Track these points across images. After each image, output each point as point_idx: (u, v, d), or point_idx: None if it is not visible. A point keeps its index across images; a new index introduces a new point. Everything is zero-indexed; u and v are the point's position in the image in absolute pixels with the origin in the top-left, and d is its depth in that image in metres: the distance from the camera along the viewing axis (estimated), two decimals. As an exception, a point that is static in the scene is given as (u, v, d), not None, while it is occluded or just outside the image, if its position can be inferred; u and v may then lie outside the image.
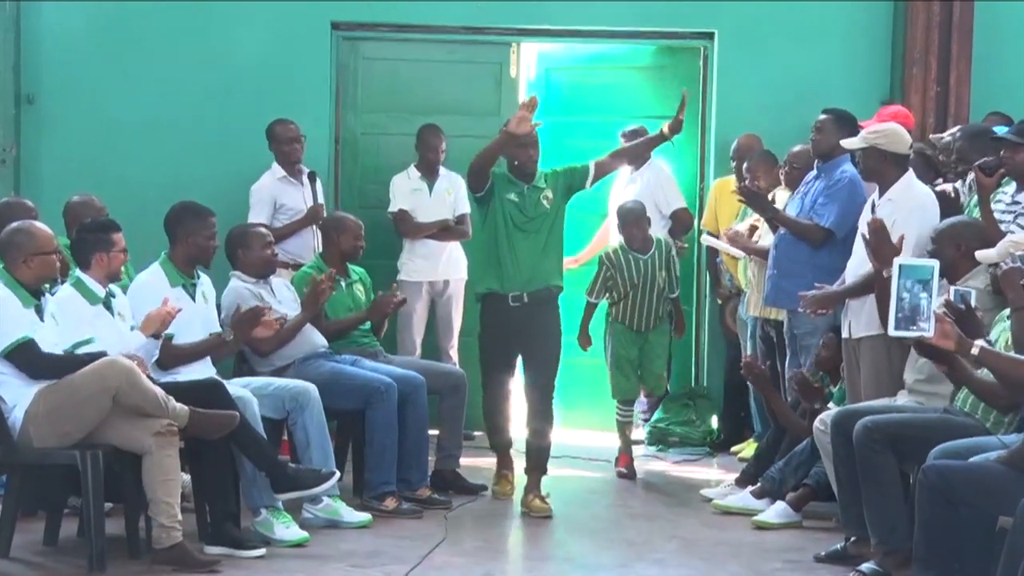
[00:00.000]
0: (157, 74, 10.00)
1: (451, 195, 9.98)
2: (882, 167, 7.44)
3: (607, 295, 9.16)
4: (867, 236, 7.04)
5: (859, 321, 7.39)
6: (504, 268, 8.06)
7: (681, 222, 10.17)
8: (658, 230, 10.03)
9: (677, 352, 10.41)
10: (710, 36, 10.49)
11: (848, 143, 7.54)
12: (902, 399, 7.03)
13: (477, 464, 9.06)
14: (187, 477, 7.21)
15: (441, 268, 9.99)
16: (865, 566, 6.63)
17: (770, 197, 8.72)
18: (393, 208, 9.91)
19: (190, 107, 9.98)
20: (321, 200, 9.54)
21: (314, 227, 9.35)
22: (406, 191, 9.97)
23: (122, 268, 7.33)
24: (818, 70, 10.21)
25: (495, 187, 8.03)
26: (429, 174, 10.02)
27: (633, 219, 9.20)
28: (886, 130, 7.57)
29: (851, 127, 8.13)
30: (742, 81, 10.37)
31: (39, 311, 6.86)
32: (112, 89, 9.97)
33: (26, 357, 6.68)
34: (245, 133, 9.69)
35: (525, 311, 8.05)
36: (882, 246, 6.90)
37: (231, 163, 9.75)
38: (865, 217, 7.48)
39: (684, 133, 10.42)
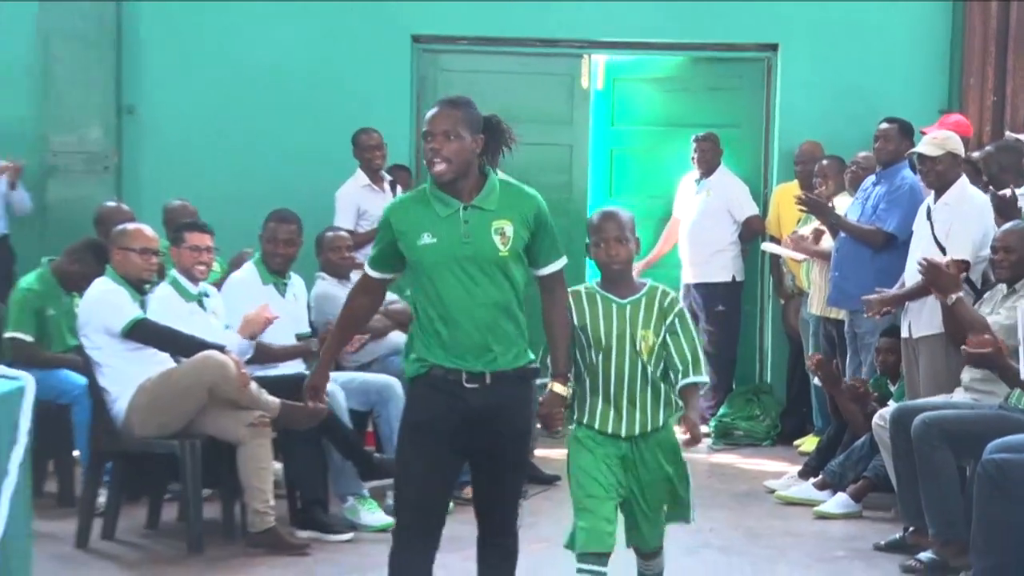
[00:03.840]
0: (248, 86, 10.07)
1: None
2: (951, 172, 7.44)
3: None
4: (922, 273, 7.04)
5: (918, 322, 7.38)
6: (443, 328, 4.76)
7: (752, 228, 10.21)
8: (729, 236, 10.09)
9: (743, 351, 10.42)
10: (774, 48, 10.47)
11: (926, 150, 7.49)
12: (958, 396, 6.99)
13: (550, 456, 9.09)
14: (279, 465, 7.29)
15: None
16: (923, 555, 6.65)
17: (831, 203, 8.74)
18: None
19: (279, 117, 10.05)
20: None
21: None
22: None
23: (202, 267, 7.40)
24: (878, 80, 10.16)
25: (399, 234, 4.79)
26: (497, 181, 10.03)
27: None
28: (952, 137, 7.57)
29: (912, 136, 8.17)
30: (805, 90, 10.34)
31: (143, 307, 7.02)
32: (206, 100, 10.06)
33: (145, 332, 6.85)
34: (331, 141, 9.74)
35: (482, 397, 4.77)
36: (939, 278, 6.90)
37: (318, 170, 9.81)
38: (920, 221, 7.52)
39: (749, 140, 10.54)
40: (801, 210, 8.83)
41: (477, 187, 4.80)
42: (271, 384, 7.11)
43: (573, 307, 5.10)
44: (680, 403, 5.21)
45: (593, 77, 10.72)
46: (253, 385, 6.91)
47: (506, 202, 4.81)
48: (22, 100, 9.87)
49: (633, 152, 10.87)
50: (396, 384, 7.80)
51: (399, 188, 9.66)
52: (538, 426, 5.14)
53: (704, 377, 5.21)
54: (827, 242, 8.75)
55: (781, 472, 8.76)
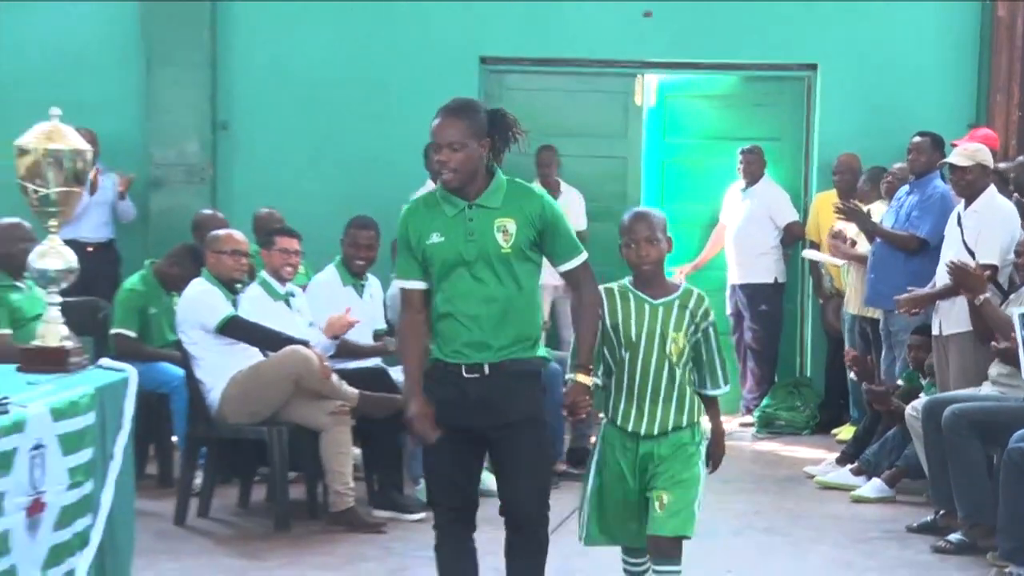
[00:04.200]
0: (329, 103, 10.10)
1: (569, 210, 9.98)
2: (980, 182, 7.39)
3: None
4: (951, 275, 7.01)
5: (948, 320, 7.32)
6: (442, 324, 4.63)
7: (793, 234, 10.17)
8: (772, 240, 10.06)
9: (784, 346, 10.37)
10: (814, 67, 10.41)
11: (958, 161, 7.45)
12: (986, 389, 6.95)
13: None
14: (358, 451, 7.32)
15: (548, 272, 9.97)
16: (953, 536, 6.62)
17: (866, 209, 8.71)
18: None
19: (358, 131, 10.08)
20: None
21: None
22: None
23: (290, 268, 7.44)
24: (911, 97, 10.08)
25: (414, 236, 4.64)
26: (550, 189, 10.06)
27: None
28: (982, 149, 7.53)
29: (942, 148, 8.16)
30: (842, 106, 10.28)
31: (235, 305, 7.08)
32: (292, 117, 10.10)
33: (236, 328, 6.90)
34: (405, 154, 9.75)
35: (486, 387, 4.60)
36: (966, 279, 6.86)
37: (393, 179, 9.81)
38: (951, 227, 7.48)
39: (790, 152, 10.49)
40: (839, 218, 8.80)
41: (483, 186, 4.61)
42: (351, 376, 7.14)
43: (605, 304, 4.79)
44: (701, 408, 4.89)
45: (646, 95, 10.71)
46: (334, 377, 6.94)
47: (510, 200, 4.61)
48: (129, 119, 9.95)
49: (683, 163, 10.84)
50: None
51: None
52: (564, 414, 4.82)
53: (725, 388, 4.98)
54: (863, 246, 8.73)
55: (820, 459, 8.70)
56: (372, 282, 7.93)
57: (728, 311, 10.28)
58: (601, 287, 4.80)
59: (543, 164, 10.05)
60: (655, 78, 10.75)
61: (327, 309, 7.50)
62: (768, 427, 9.92)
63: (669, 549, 4.75)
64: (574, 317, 4.77)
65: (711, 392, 4.91)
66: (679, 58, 10.48)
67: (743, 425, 10.04)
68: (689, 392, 4.82)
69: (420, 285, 4.67)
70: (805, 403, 10.01)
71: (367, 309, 7.76)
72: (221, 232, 7.41)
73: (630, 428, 4.77)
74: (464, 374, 4.59)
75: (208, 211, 9.05)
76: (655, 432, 4.76)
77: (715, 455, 5.03)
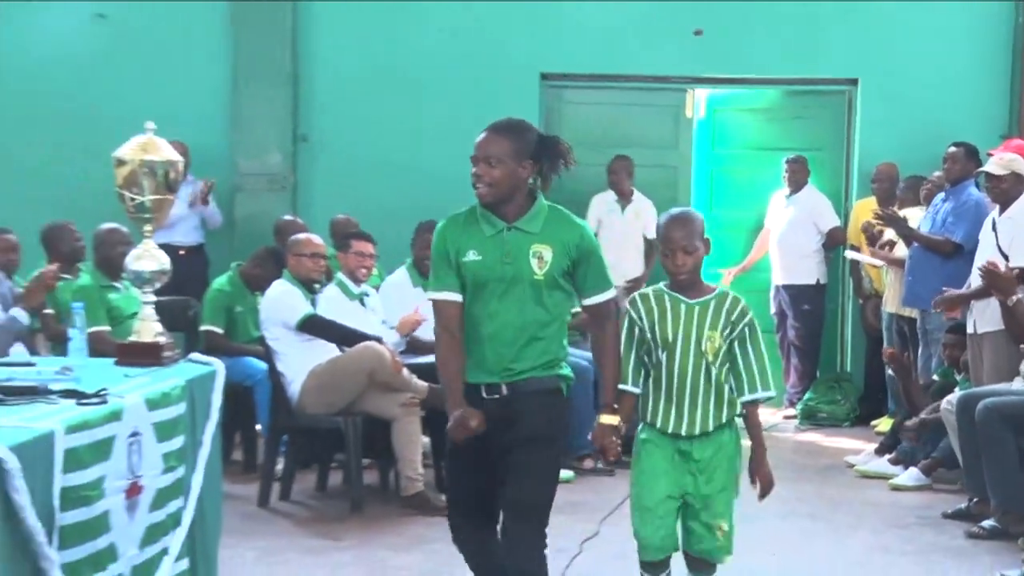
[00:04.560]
0: (399, 117, 10.12)
1: (640, 217, 9.99)
2: (1014, 189, 7.32)
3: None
4: (982, 277, 6.95)
5: (982, 319, 7.26)
6: (472, 345, 4.34)
7: (834, 238, 10.10)
8: (814, 244, 10.00)
9: (826, 344, 10.30)
10: (854, 82, 10.33)
11: (993, 169, 7.40)
12: (1018, 384, 6.89)
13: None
14: (427, 439, 7.33)
15: (619, 275, 10.01)
16: (986, 523, 6.57)
17: (903, 214, 8.66)
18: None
19: (426, 142, 10.08)
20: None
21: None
22: (602, 209, 10.02)
23: (364, 270, 7.47)
24: (946, 109, 9.97)
25: (452, 249, 4.36)
26: (623, 196, 10.06)
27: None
28: (1017, 159, 7.46)
29: (977, 157, 8.11)
30: (881, 118, 10.18)
31: (313, 304, 7.11)
32: (367, 129, 10.13)
33: (315, 325, 6.93)
34: (469, 164, 9.75)
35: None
36: (997, 281, 6.79)
37: (460, 188, 9.75)
38: (986, 232, 7.42)
39: (831, 162, 10.41)
40: (879, 225, 8.75)
41: (523, 210, 4.28)
42: (420, 370, 7.14)
43: (641, 309, 4.45)
44: (737, 405, 4.51)
45: (696, 108, 10.67)
46: (405, 371, 6.95)
47: (550, 228, 4.28)
48: (217, 131, 10.01)
49: (730, 172, 10.79)
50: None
51: None
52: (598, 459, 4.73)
53: (771, 392, 4.54)
54: (901, 250, 8.68)
55: (859, 449, 8.63)
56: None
57: (772, 310, 10.24)
58: (636, 293, 4.56)
59: (615, 172, 10.04)
60: (704, 92, 10.70)
61: (398, 308, 7.53)
62: (810, 419, 9.85)
63: (709, 568, 4.64)
64: (597, 354, 4.48)
65: (748, 397, 4.49)
66: (727, 74, 10.43)
67: (787, 417, 9.98)
68: (726, 390, 4.49)
69: (456, 297, 4.34)
70: (845, 397, 9.94)
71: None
72: (301, 236, 7.45)
73: (670, 429, 4.45)
74: (484, 395, 4.30)
75: (289, 217, 9.10)
76: (696, 432, 4.45)
77: (760, 477, 4.62)
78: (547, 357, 4.31)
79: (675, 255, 4.42)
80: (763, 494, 4.62)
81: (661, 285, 4.53)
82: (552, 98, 10.50)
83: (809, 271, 10.09)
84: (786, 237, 10.08)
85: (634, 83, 10.49)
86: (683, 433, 4.44)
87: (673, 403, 4.44)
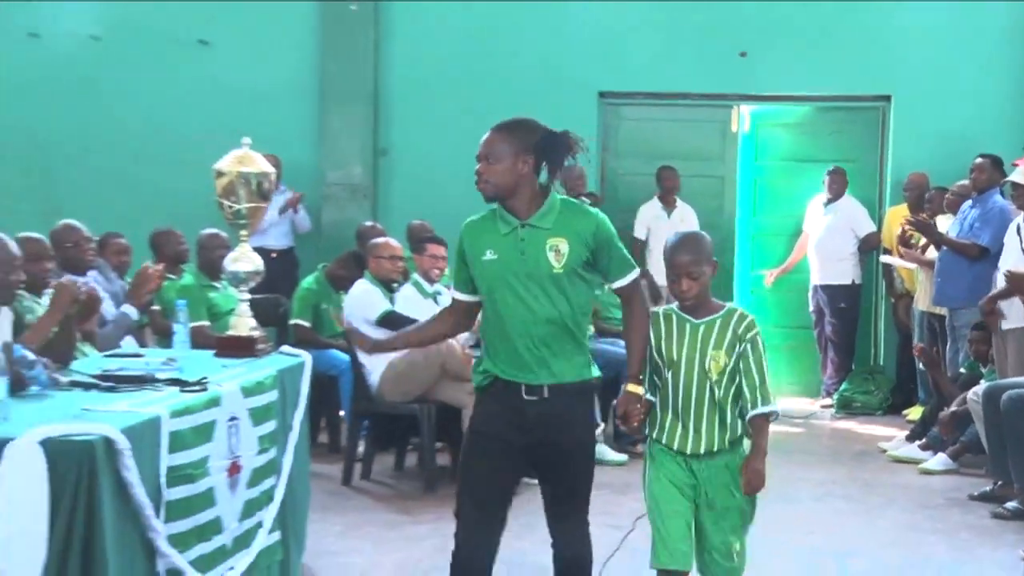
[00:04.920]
0: (468, 132, 9.97)
1: (684, 223, 9.94)
2: None
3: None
4: (1007, 280, 6.90)
5: (1008, 317, 7.20)
6: (495, 341, 4.05)
7: (870, 243, 10.02)
8: (851, 248, 9.93)
9: (860, 339, 10.21)
10: (887, 98, 10.23)
11: (1018, 178, 7.40)
12: (1039, 376, 6.85)
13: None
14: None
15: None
16: (1010, 504, 6.52)
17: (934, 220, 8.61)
18: (639, 234, 9.89)
19: None
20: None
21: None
22: (650, 217, 10.00)
23: (438, 271, 7.51)
24: (973, 122, 9.83)
25: (469, 251, 4.10)
26: (668, 204, 10.03)
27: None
28: None
29: (1002, 168, 8.07)
30: (912, 132, 10.07)
31: (392, 302, 7.16)
32: (439, 143, 10.11)
33: (393, 321, 6.97)
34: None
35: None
36: (1020, 284, 6.76)
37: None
38: (1011, 236, 7.35)
39: (865, 172, 10.32)
40: (910, 231, 8.70)
41: (536, 206, 4.00)
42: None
43: (651, 329, 4.12)
44: (747, 431, 4.12)
45: (741, 123, 10.60)
46: (474, 363, 6.96)
47: (564, 221, 3.99)
48: (306, 146, 10.09)
49: (771, 182, 10.71)
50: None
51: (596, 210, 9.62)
52: (620, 426, 4.32)
53: (772, 406, 4.08)
54: (931, 253, 8.63)
55: (891, 436, 8.56)
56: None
57: (810, 308, 10.17)
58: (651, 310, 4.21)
59: (661, 180, 10.04)
60: (749, 109, 10.63)
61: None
62: (846, 408, 9.77)
63: None
64: (625, 329, 4.15)
65: (753, 412, 4.07)
66: (769, 91, 10.37)
67: (824, 407, 9.90)
68: (731, 412, 4.11)
69: (465, 298, 4.15)
70: (878, 387, 9.86)
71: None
72: (380, 240, 7.50)
73: (675, 447, 4.11)
74: (524, 395, 3.97)
75: (369, 223, 9.15)
76: (701, 451, 4.09)
77: (748, 479, 4.08)
78: (577, 354, 4.03)
79: (680, 281, 4.08)
80: (748, 490, 4.11)
81: (673, 305, 4.19)
82: (609, 114, 10.48)
83: (845, 272, 9.99)
84: (824, 241, 9.99)
85: (684, 100, 10.45)
86: (688, 452, 4.10)
87: (679, 421, 4.11)
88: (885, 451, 8.18)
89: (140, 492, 3.70)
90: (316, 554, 5.51)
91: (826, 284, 10.03)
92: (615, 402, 4.09)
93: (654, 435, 4.16)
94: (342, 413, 7.92)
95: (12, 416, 3.71)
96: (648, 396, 4.12)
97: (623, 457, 7.73)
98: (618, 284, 4.07)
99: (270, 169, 5.26)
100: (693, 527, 4.15)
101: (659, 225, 9.92)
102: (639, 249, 9.79)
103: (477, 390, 4.14)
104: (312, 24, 10.16)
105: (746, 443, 4.14)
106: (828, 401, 9.95)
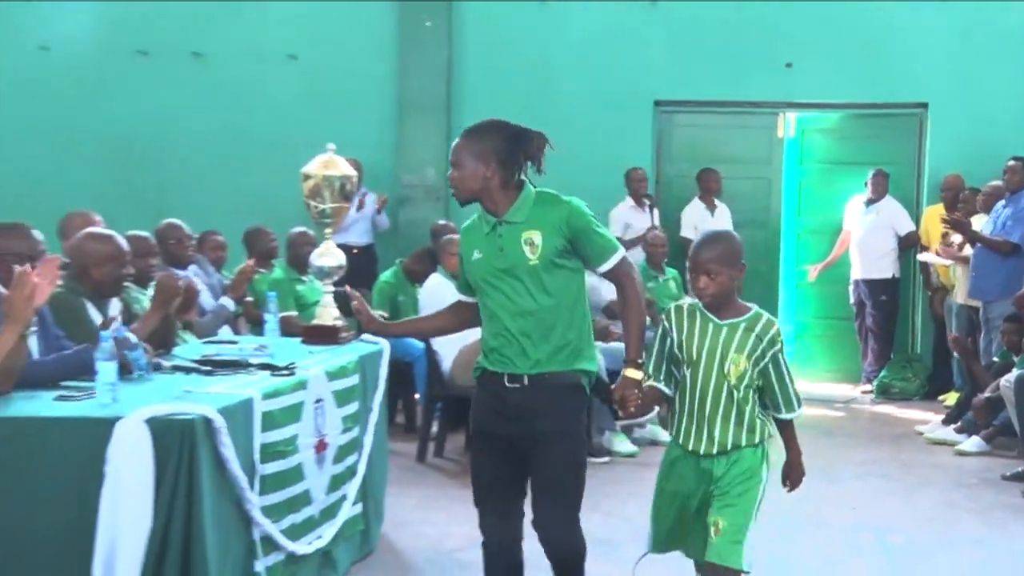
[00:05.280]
0: (545, 131, 10.09)
1: (724, 221, 9.89)
2: None
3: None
4: None
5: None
6: (486, 336, 3.87)
7: (909, 240, 9.87)
8: (891, 244, 9.81)
9: (899, 329, 10.08)
10: (925, 105, 10.06)
11: None
12: (1068, 365, 6.71)
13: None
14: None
15: None
16: (1039, 484, 6.39)
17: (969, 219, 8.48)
18: (686, 234, 9.80)
19: (554, 161, 9.93)
20: (657, 223, 9.51)
21: (647, 241, 9.26)
22: (695, 217, 9.93)
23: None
24: (1006, 127, 9.62)
25: (464, 253, 3.96)
26: (710, 204, 9.96)
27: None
28: None
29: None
30: (948, 136, 9.89)
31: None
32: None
33: None
34: (602, 175, 9.67)
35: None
36: None
37: (592, 196, 9.70)
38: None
39: (904, 174, 10.16)
40: (947, 229, 8.58)
41: (509, 202, 3.79)
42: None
43: (673, 322, 3.76)
44: (768, 428, 3.79)
45: (787, 129, 10.49)
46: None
47: (537, 213, 3.77)
48: (385, 151, 10.12)
49: (815, 184, 10.58)
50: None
51: (656, 210, 9.60)
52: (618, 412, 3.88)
53: (797, 411, 3.79)
54: (967, 250, 8.50)
55: (928, 420, 8.42)
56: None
57: (851, 300, 10.03)
58: (672, 304, 3.88)
59: (702, 182, 9.95)
60: (794, 115, 10.52)
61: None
62: (885, 394, 9.63)
63: (725, 574, 3.71)
64: (620, 314, 3.84)
65: (783, 416, 3.81)
66: (813, 99, 10.24)
67: (864, 392, 9.77)
68: (750, 413, 3.73)
69: (467, 299, 4.01)
70: (916, 374, 9.73)
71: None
72: (452, 237, 7.48)
73: (690, 447, 3.75)
74: (506, 383, 3.77)
75: (442, 222, 9.14)
76: (713, 451, 3.73)
77: (792, 477, 3.92)
78: (564, 342, 3.75)
79: (697, 277, 3.72)
80: (793, 486, 3.92)
81: (697, 302, 3.79)
82: (664, 121, 10.41)
83: (885, 267, 9.85)
84: (866, 239, 9.85)
85: (734, 108, 10.34)
86: (702, 452, 3.74)
87: (694, 421, 3.75)
88: (922, 434, 8.06)
89: (236, 467, 3.73)
90: (394, 525, 5.53)
91: (867, 278, 9.89)
92: (613, 386, 3.77)
93: (671, 434, 3.84)
94: (417, 396, 7.94)
95: (121, 397, 3.75)
96: (665, 388, 3.80)
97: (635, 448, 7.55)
98: (603, 268, 3.79)
99: (352, 172, 5.28)
100: (693, 522, 3.79)
101: (705, 225, 9.81)
102: (688, 247, 9.68)
103: (476, 384, 3.91)
104: (390, 39, 10.19)
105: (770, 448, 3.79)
106: (868, 387, 9.82)
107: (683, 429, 3.77)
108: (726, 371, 3.69)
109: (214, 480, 3.64)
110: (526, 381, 3.74)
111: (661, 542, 3.89)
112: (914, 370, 9.74)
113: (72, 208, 6.07)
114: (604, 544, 5.08)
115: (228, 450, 3.67)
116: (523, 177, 3.84)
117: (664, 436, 7.63)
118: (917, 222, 9.98)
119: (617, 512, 5.94)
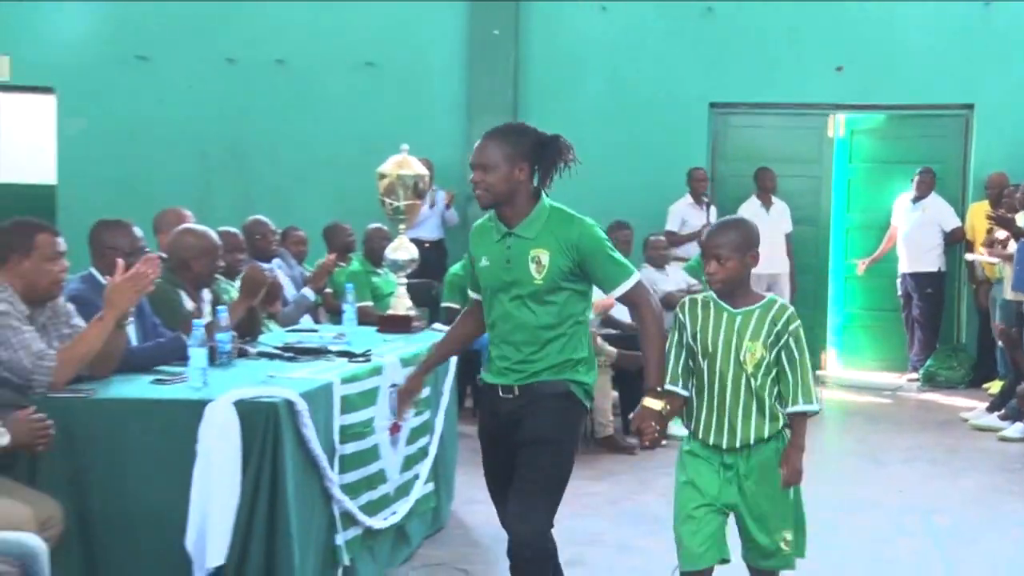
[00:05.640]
0: (593, 138, 9.76)
1: (782, 218, 9.79)
2: None
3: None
4: None
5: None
6: (491, 350, 3.66)
7: (955, 236, 9.70)
8: (937, 240, 9.65)
9: (945, 320, 9.90)
10: (970, 107, 9.86)
11: None
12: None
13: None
14: (615, 393, 7.30)
15: (767, 263, 9.78)
16: (1081, 470, 6.22)
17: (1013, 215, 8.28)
18: None
19: (616, 160, 9.82)
20: (712, 220, 9.44)
21: (700, 238, 9.18)
22: (750, 214, 9.78)
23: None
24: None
25: (472, 256, 3.66)
26: (766, 201, 9.84)
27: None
28: None
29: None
30: (993, 136, 9.70)
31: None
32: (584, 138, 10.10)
33: None
34: (664, 174, 9.64)
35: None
36: None
37: (654, 193, 9.67)
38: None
39: (950, 172, 9.97)
40: (991, 225, 8.40)
41: (524, 214, 3.46)
42: (611, 339, 7.12)
43: (687, 315, 3.48)
44: (785, 421, 3.46)
45: (836, 129, 10.34)
46: (599, 339, 6.92)
47: (549, 230, 3.42)
48: (455, 151, 10.00)
49: (863, 182, 10.42)
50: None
51: (713, 207, 9.54)
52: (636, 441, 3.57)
53: (813, 406, 3.41)
54: (1012, 247, 8.31)
55: (972, 407, 8.27)
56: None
57: (899, 293, 9.87)
58: (687, 297, 3.58)
59: (759, 180, 9.83)
60: (843, 116, 10.36)
61: (596, 292, 7.49)
62: (930, 382, 9.48)
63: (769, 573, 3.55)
64: (640, 339, 3.50)
65: (791, 409, 3.43)
66: (862, 101, 10.06)
67: (910, 380, 9.61)
68: (770, 401, 3.44)
69: (476, 296, 3.69)
70: (960, 363, 9.57)
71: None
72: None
73: (711, 441, 3.45)
74: (500, 394, 3.53)
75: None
76: (736, 445, 3.43)
77: (787, 472, 3.45)
78: (560, 359, 3.47)
79: (708, 262, 3.46)
80: (786, 485, 3.48)
81: (711, 292, 3.52)
82: (719, 123, 10.30)
83: (932, 261, 9.69)
84: (913, 234, 9.70)
85: (786, 110, 10.20)
86: (724, 446, 3.44)
87: (714, 414, 3.45)
88: (967, 420, 7.92)
89: (317, 446, 3.76)
90: (463, 502, 5.54)
91: (914, 272, 9.74)
92: (631, 416, 3.52)
93: (689, 428, 3.53)
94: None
95: (211, 381, 3.80)
96: (680, 390, 3.48)
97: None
98: (617, 292, 3.46)
99: (424, 171, 5.30)
100: (724, 522, 3.49)
101: (760, 221, 9.68)
102: None
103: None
104: (460, 46, 10.19)
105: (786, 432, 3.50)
106: (914, 375, 9.66)
107: (703, 423, 3.46)
108: (743, 359, 3.40)
109: (297, 459, 3.68)
110: (517, 391, 3.49)
111: (695, 556, 3.45)
112: (959, 359, 9.58)
113: (166, 205, 6.15)
114: (655, 522, 5.07)
115: (309, 431, 3.70)
116: (546, 189, 3.50)
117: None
118: (963, 218, 9.81)
119: (671, 493, 5.88)
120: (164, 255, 4.75)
